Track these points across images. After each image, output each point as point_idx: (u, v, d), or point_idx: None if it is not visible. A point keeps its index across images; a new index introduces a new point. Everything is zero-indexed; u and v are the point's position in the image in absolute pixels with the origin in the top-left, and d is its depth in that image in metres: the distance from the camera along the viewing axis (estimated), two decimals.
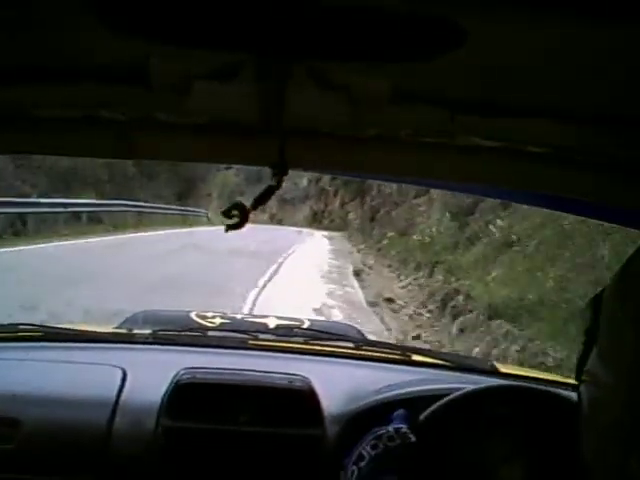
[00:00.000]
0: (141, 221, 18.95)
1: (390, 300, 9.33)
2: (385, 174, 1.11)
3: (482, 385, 1.49)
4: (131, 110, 0.82)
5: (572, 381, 1.32)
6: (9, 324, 1.87)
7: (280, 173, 0.81)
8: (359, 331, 2.14)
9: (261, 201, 0.83)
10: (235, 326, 1.97)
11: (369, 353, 1.87)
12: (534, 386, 1.53)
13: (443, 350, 5.78)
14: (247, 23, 0.61)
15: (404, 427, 1.35)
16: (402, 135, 0.85)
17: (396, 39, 0.62)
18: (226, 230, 0.84)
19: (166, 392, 1.54)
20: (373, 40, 0.63)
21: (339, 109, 0.74)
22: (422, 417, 1.40)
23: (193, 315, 2.02)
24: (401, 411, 1.41)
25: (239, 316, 2.11)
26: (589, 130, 0.81)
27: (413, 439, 1.33)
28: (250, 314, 2.17)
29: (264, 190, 0.82)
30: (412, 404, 1.48)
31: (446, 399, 1.41)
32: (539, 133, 0.83)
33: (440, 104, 0.78)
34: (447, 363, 1.84)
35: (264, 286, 9.26)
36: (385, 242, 15.08)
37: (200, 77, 0.71)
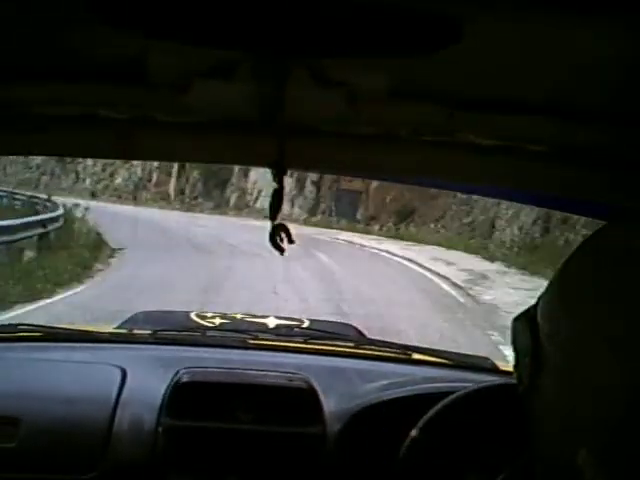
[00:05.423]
0: None
1: None
2: (385, 173, 1.11)
3: (482, 384, 1.49)
4: (130, 109, 0.82)
5: None
6: (9, 324, 1.87)
7: (279, 173, 0.81)
8: (359, 330, 2.14)
9: (276, 209, 0.81)
10: (235, 326, 1.98)
11: (369, 352, 1.87)
12: None
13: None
14: (245, 20, 0.61)
15: None
16: (402, 133, 0.85)
17: (394, 35, 0.62)
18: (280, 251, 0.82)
19: (166, 392, 1.54)
20: (371, 36, 0.63)
21: (338, 106, 0.74)
22: (424, 419, 1.40)
23: (193, 315, 2.02)
24: None
25: (239, 316, 2.11)
26: (589, 128, 0.81)
27: None
28: (250, 314, 2.17)
29: (272, 196, 0.82)
30: (412, 403, 1.48)
31: (447, 399, 1.41)
32: (539, 131, 0.83)
33: (439, 101, 0.78)
34: (447, 362, 1.84)
35: None
36: None
37: (199, 75, 0.71)
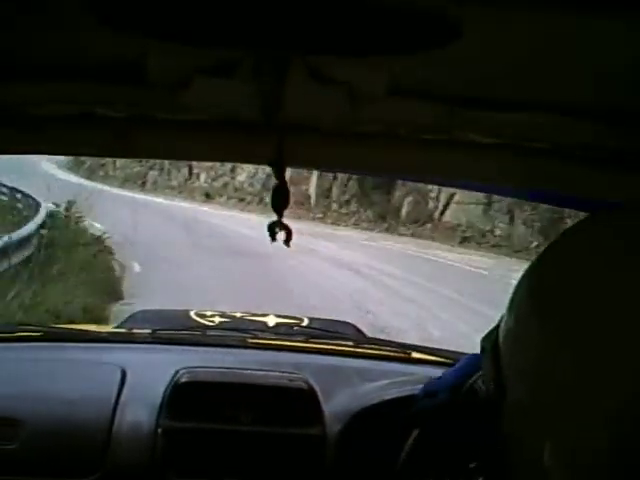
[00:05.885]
0: None
1: None
2: (385, 171, 1.11)
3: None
4: (129, 108, 0.82)
5: None
6: (9, 324, 1.87)
7: (279, 171, 0.81)
8: (359, 329, 2.14)
9: (279, 206, 0.81)
10: (234, 325, 1.97)
11: (369, 351, 1.86)
12: None
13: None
14: (245, 18, 0.61)
15: None
16: (402, 132, 0.85)
17: (394, 33, 0.62)
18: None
19: (165, 391, 1.53)
20: (371, 34, 0.63)
21: (338, 104, 0.74)
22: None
23: (192, 314, 2.02)
24: None
25: (238, 315, 2.11)
26: (590, 125, 0.81)
27: None
28: (249, 313, 2.17)
29: (273, 193, 0.81)
30: (413, 403, 1.48)
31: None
32: (539, 128, 0.82)
33: (439, 99, 0.78)
34: (447, 360, 1.83)
35: None
36: None
37: (198, 74, 0.71)
